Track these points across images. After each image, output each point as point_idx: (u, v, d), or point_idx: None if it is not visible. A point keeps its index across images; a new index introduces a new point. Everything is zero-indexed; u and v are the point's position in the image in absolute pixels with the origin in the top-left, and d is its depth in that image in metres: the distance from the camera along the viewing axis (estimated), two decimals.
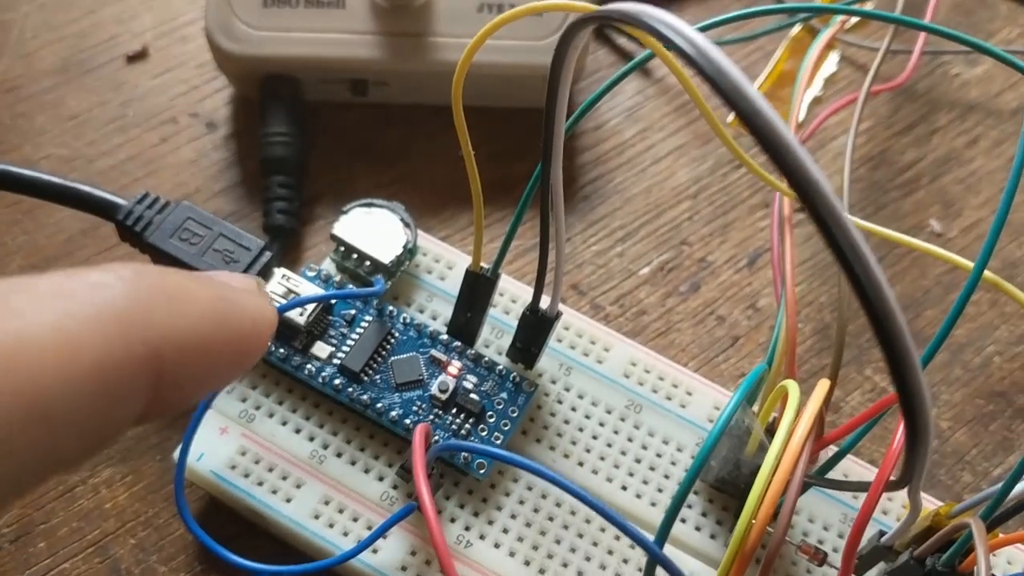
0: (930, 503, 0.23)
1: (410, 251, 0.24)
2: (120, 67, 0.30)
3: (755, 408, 0.22)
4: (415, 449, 0.18)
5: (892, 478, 0.17)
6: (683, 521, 0.22)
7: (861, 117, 0.31)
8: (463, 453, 0.22)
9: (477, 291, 0.23)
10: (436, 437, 0.22)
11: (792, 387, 0.18)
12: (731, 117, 0.30)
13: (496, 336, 0.24)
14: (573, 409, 0.24)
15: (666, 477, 0.23)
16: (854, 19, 0.32)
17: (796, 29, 0.32)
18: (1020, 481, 0.20)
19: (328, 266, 0.24)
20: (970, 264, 0.19)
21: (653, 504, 0.23)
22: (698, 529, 0.22)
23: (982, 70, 0.32)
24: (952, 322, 0.19)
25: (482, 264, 0.22)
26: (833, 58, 0.32)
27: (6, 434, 0.10)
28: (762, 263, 0.28)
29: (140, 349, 0.12)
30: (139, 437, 0.24)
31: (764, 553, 0.17)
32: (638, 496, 0.23)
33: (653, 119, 0.30)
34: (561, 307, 0.25)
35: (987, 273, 0.20)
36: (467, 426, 0.22)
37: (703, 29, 0.22)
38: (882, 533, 0.21)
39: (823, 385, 0.17)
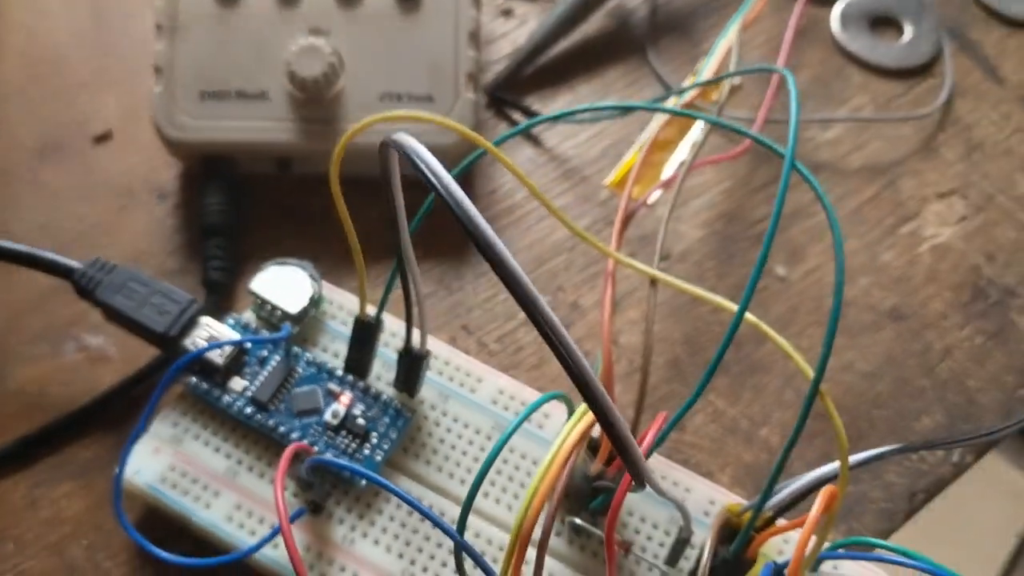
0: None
1: (316, 302, 0.29)
2: (88, 146, 0.35)
3: None
4: (280, 467, 0.23)
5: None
6: (509, 508, 0.27)
7: (723, 176, 0.36)
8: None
9: (365, 334, 0.28)
10: (322, 454, 0.27)
11: (582, 406, 0.23)
12: (607, 180, 0.35)
13: (387, 370, 0.29)
14: (448, 430, 0.29)
15: (522, 486, 0.28)
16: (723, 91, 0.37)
17: (670, 102, 0.37)
18: (781, 487, 0.25)
19: (248, 315, 0.30)
20: (734, 307, 0.24)
21: (509, 508, 0.28)
22: None
23: (832, 134, 0.37)
24: (721, 353, 0.24)
25: (370, 311, 0.28)
26: (699, 125, 0.37)
27: None
28: (625, 305, 0.33)
29: None
30: (94, 456, 0.29)
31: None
32: (497, 501, 0.28)
33: (541, 183, 0.36)
34: (443, 345, 0.30)
35: (748, 315, 0.24)
36: (353, 445, 0.27)
37: (558, 117, 0.28)
38: (681, 528, 0.26)
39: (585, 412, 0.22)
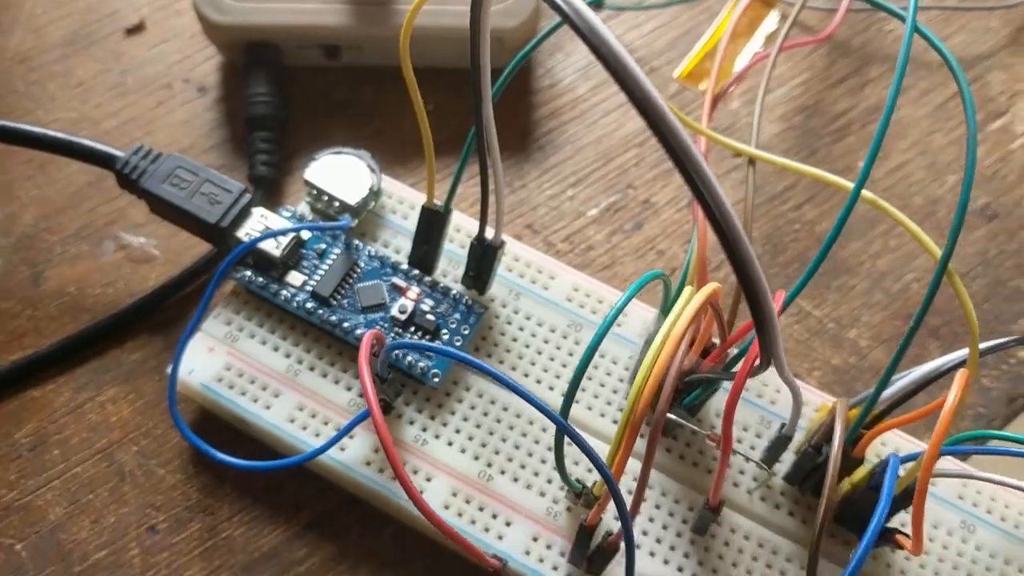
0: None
1: (375, 193, 0.27)
2: (120, 39, 0.33)
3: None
4: (361, 352, 0.21)
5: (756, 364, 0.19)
6: (602, 415, 0.25)
7: (799, 70, 0.33)
8: (420, 364, 0.25)
9: (432, 225, 0.26)
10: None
11: (688, 289, 0.21)
12: (676, 72, 0.33)
13: (453, 267, 0.27)
14: (521, 329, 0.27)
15: (601, 386, 0.26)
16: None
17: None
18: (894, 383, 0.23)
19: (303, 208, 0.27)
20: (850, 185, 0.22)
21: (589, 408, 0.26)
22: (615, 422, 0.25)
23: None
24: (834, 237, 0.22)
25: (436, 201, 0.26)
26: (773, 16, 0.35)
27: None
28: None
29: None
30: (141, 360, 0.27)
31: (654, 428, 0.20)
32: (576, 401, 0.26)
33: (604, 76, 0.33)
34: (513, 241, 0.28)
35: (865, 192, 0.22)
36: (424, 342, 0.25)
37: None
38: (783, 425, 0.24)
39: (711, 285, 0.20)
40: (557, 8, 0.15)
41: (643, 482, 0.20)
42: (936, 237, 0.31)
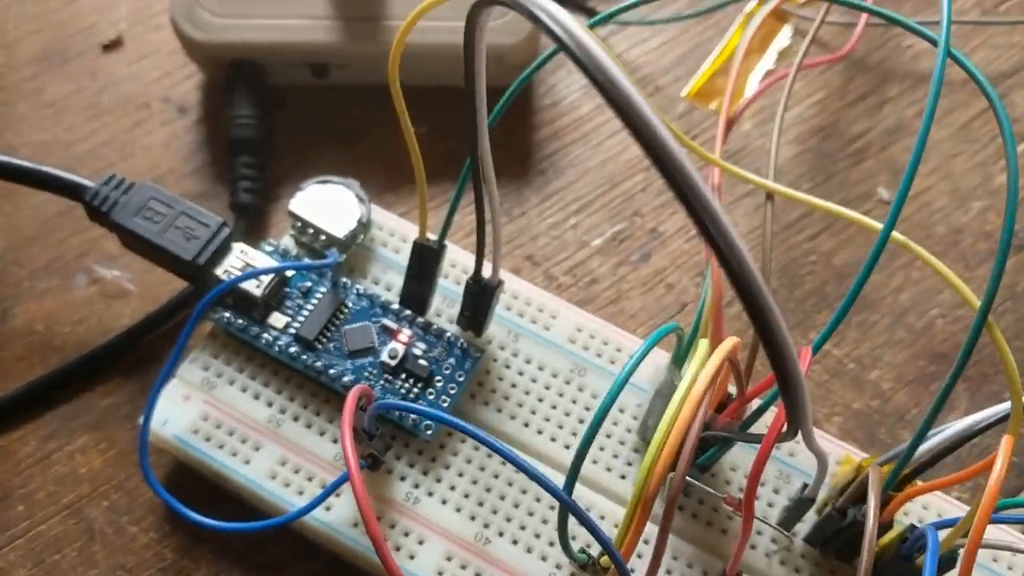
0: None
1: (364, 225, 0.25)
2: (96, 55, 0.31)
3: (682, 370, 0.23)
4: (345, 410, 0.19)
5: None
6: (608, 470, 0.24)
7: (814, 88, 0.32)
8: (411, 416, 0.23)
9: (424, 261, 0.24)
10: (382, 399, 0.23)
11: (703, 344, 0.19)
12: (684, 91, 0.31)
13: (448, 306, 0.25)
14: (520, 373, 0.25)
15: (608, 436, 0.24)
16: None
17: (751, 4, 0.33)
18: (928, 438, 0.21)
19: (287, 241, 0.26)
20: (879, 226, 0.20)
21: (595, 461, 0.24)
22: (623, 477, 0.24)
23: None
24: (863, 280, 0.20)
25: (429, 236, 0.24)
26: (786, 31, 0.33)
27: None
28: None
29: None
30: (113, 405, 0.26)
31: (672, 497, 0.18)
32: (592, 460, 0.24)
33: None
34: (511, 277, 0.26)
35: (895, 234, 0.20)
36: (415, 390, 0.23)
37: (623, 10, 0.23)
38: (805, 486, 0.22)
39: (730, 340, 0.18)
40: (551, 35, 0.13)
41: (656, 564, 0.18)
42: (961, 269, 0.29)
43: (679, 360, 0.23)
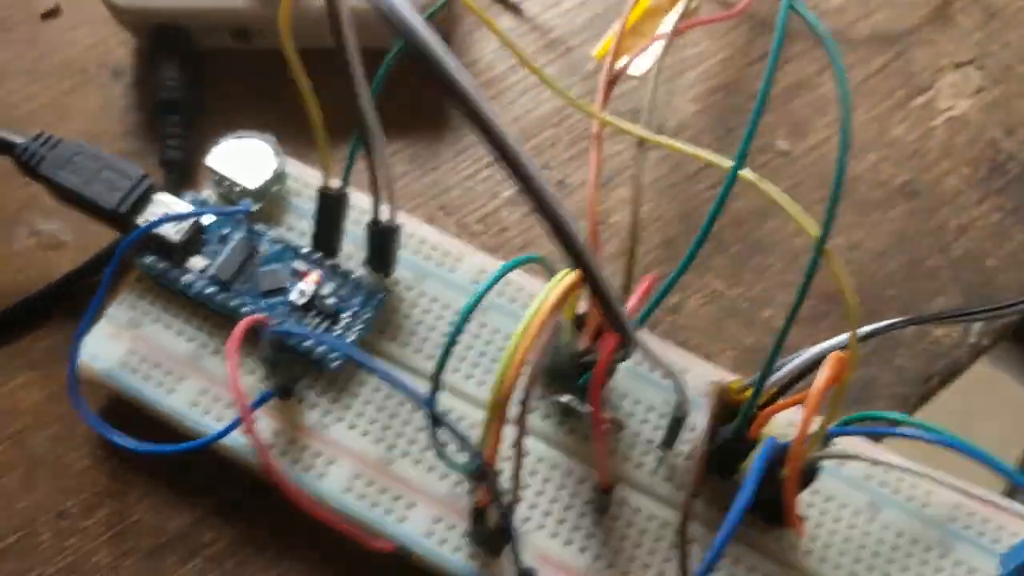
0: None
1: (280, 176, 0.27)
2: (35, 24, 0.32)
3: None
4: (231, 339, 0.21)
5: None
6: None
7: (719, 47, 0.33)
8: (319, 349, 0.25)
9: (329, 207, 0.26)
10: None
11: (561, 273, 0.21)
12: (594, 51, 0.33)
13: (359, 249, 0.27)
14: (426, 311, 0.27)
15: (494, 362, 0.26)
16: None
17: None
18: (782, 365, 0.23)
19: (207, 193, 0.27)
20: (728, 162, 0.22)
21: (469, 378, 0.26)
22: None
23: (837, 1, 0.35)
24: (715, 213, 0.22)
25: (334, 182, 0.25)
26: None
27: None
28: (616, 183, 0.31)
29: None
30: (52, 346, 0.27)
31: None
32: (469, 378, 0.26)
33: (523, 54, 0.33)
34: (421, 224, 0.28)
35: (743, 173, 0.22)
36: (323, 326, 0.25)
37: None
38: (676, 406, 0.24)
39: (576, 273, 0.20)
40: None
41: (518, 464, 0.20)
42: (855, 216, 0.31)
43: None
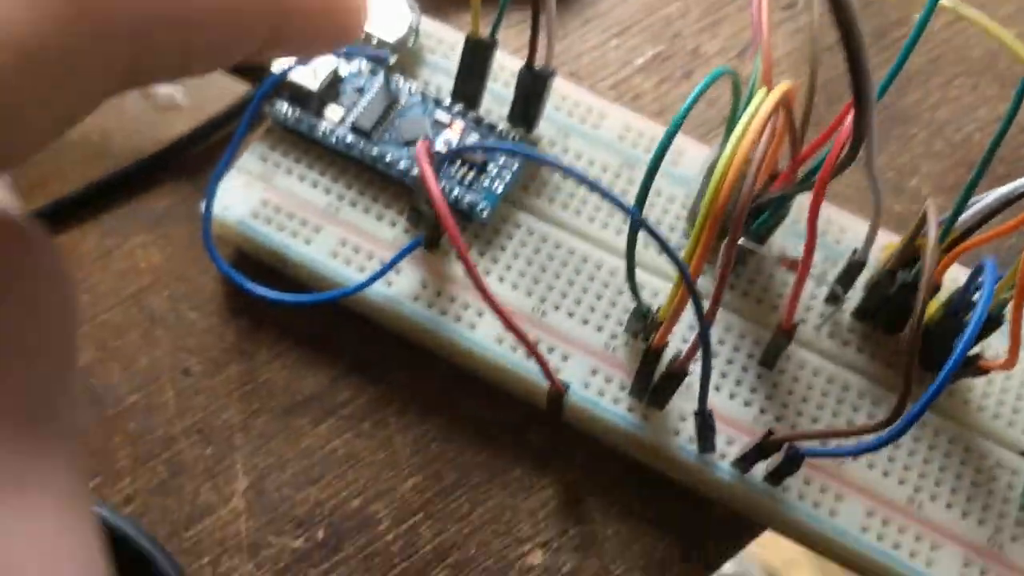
0: None
1: (414, 31, 0.26)
2: None
3: None
4: (421, 155, 0.19)
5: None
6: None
7: None
8: (467, 199, 0.24)
9: (476, 56, 0.24)
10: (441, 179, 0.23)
11: (761, 91, 0.20)
12: None
13: (498, 106, 0.26)
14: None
15: (657, 223, 0.25)
16: None
17: None
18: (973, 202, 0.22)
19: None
20: None
21: (645, 246, 0.24)
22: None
23: None
24: (910, 47, 0.20)
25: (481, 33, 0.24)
26: None
27: None
28: (752, 53, 0.29)
29: None
30: (169, 206, 0.26)
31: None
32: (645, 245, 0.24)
33: None
34: (560, 81, 0.26)
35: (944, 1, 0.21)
36: (470, 176, 0.24)
37: None
38: (855, 251, 0.23)
39: (785, 83, 0.19)
40: None
41: (722, 286, 0.19)
42: (997, 89, 0.30)
43: (734, 124, 0.23)
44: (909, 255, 0.22)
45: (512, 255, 0.24)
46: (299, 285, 0.24)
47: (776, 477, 0.21)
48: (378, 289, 0.23)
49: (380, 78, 0.25)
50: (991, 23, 0.21)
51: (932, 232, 0.19)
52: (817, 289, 0.24)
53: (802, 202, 0.24)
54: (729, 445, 0.22)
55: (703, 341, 0.19)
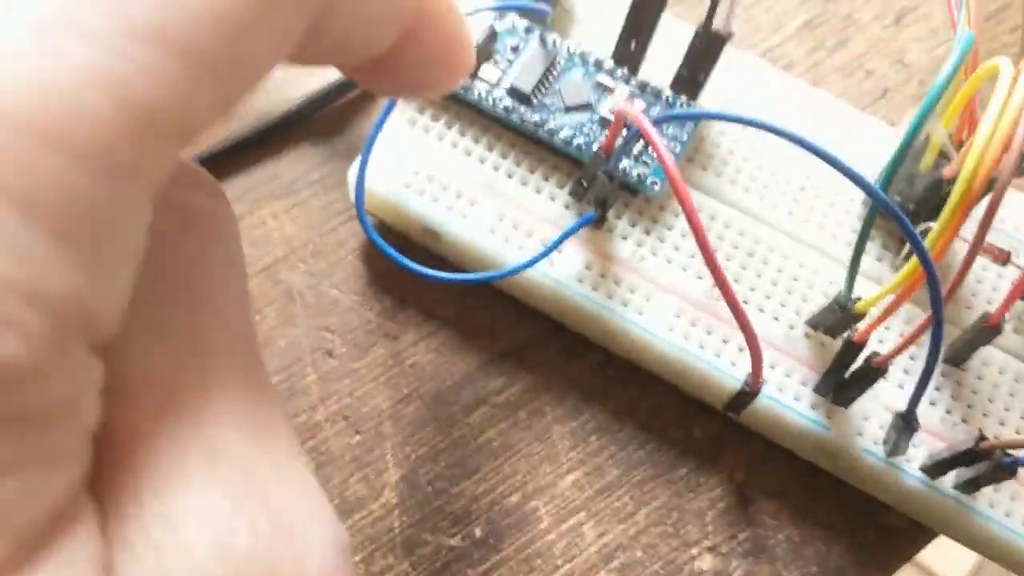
0: None
1: None
2: None
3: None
4: (636, 113, 0.18)
5: None
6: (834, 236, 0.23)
7: None
8: (635, 171, 0.22)
9: (645, 10, 0.22)
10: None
11: (1004, 62, 0.18)
12: None
13: (658, 71, 0.24)
14: (736, 141, 0.23)
15: (831, 205, 0.23)
16: None
17: None
18: None
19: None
20: None
21: (820, 228, 0.23)
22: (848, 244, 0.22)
23: None
24: None
25: None
26: None
27: None
28: (909, 20, 0.27)
29: None
30: (303, 172, 0.24)
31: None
32: (806, 221, 0.23)
33: None
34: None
35: None
36: (638, 146, 0.22)
37: None
38: None
39: None
40: None
41: (969, 260, 0.17)
42: None
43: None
44: None
45: (679, 234, 0.22)
46: (441, 262, 0.22)
47: (974, 485, 0.20)
48: (540, 269, 0.21)
49: (536, 36, 0.23)
50: None
51: None
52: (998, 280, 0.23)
53: None
54: (914, 448, 0.21)
55: (934, 337, 0.17)
